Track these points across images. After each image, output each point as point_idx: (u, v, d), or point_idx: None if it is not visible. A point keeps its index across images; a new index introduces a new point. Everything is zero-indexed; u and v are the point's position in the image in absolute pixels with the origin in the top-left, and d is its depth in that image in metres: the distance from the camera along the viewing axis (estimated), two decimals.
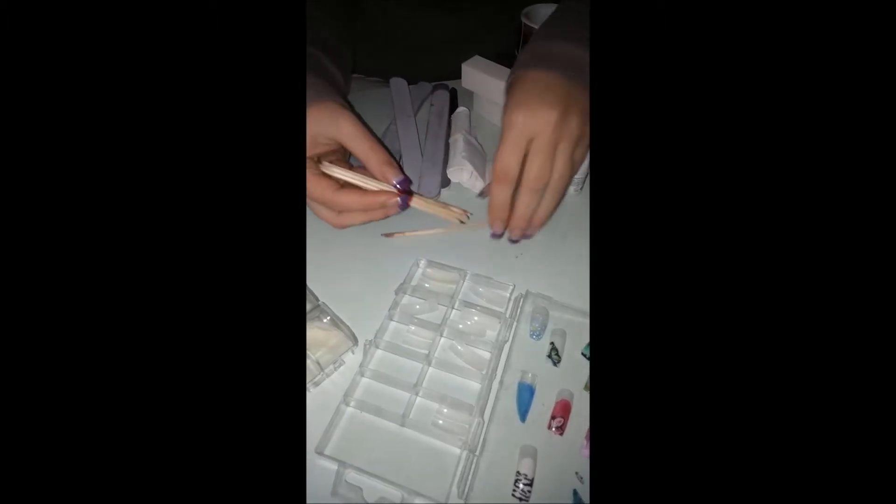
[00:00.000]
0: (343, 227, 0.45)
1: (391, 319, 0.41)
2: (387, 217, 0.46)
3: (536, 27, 0.58)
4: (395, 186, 0.43)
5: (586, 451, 0.34)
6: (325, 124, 0.43)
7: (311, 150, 0.44)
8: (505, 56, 0.64)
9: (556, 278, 0.44)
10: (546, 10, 0.61)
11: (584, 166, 0.49)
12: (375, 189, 0.44)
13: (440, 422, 0.35)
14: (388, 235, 0.48)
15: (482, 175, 0.53)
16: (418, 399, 0.37)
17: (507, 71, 0.58)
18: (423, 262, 0.45)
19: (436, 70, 0.66)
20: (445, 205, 0.48)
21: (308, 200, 0.44)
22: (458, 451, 0.34)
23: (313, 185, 0.41)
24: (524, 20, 0.59)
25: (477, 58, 0.60)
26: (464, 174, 0.53)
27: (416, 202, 0.45)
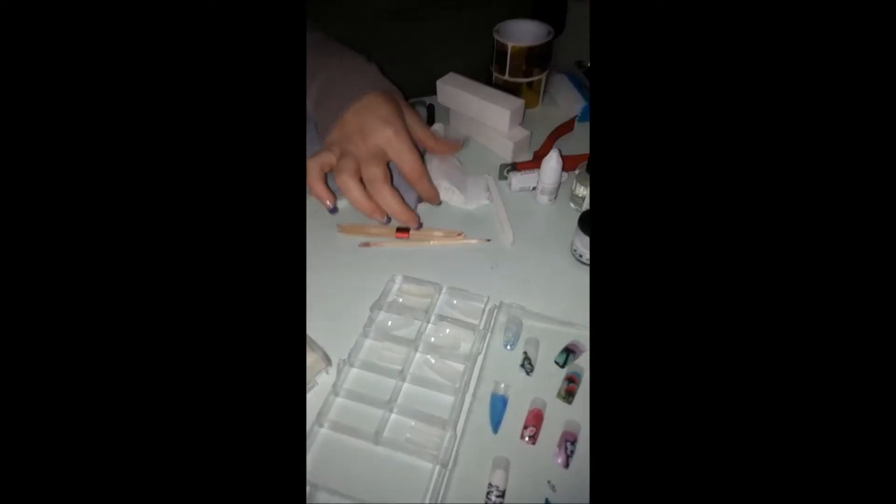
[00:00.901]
0: (359, 199, 0.45)
1: (366, 337, 0.42)
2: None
3: (508, 43, 0.59)
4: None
5: (559, 459, 0.34)
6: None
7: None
8: (481, 71, 0.65)
9: (530, 288, 0.45)
10: (516, 26, 0.62)
11: (556, 177, 0.50)
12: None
13: (413, 437, 0.35)
14: (364, 245, 0.49)
15: (460, 188, 0.53)
16: (392, 416, 0.37)
17: (481, 87, 0.59)
18: (399, 278, 0.46)
19: (417, 84, 0.66)
20: (442, 232, 0.50)
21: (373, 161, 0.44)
22: (430, 465, 0.34)
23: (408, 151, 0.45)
24: (496, 36, 0.60)
25: (451, 74, 0.61)
26: (441, 190, 0.53)
27: (414, 235, 0.49)
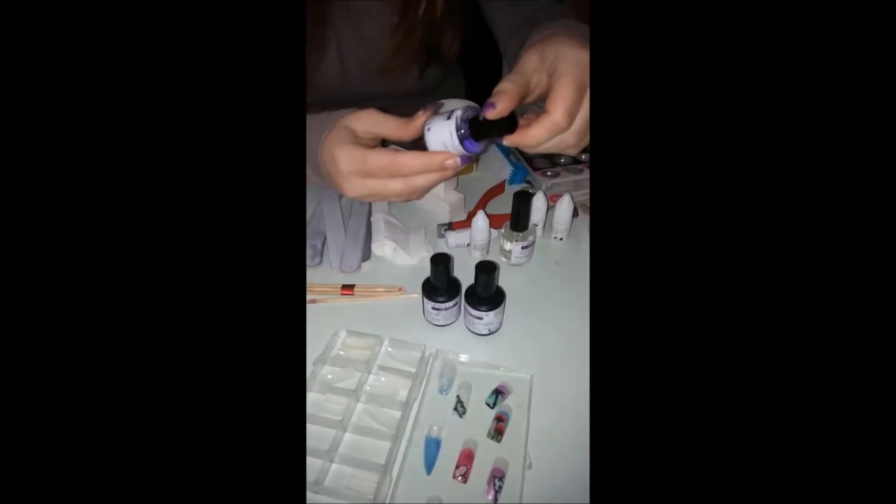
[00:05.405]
0: (416, 192, 0.43)
1: (310, 391, 0.44)
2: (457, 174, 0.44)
3: None
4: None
5: (489, 496, 0.37)
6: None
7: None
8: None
9: (464, 335, 0.49)
10: (449, 105, 0.70)
11: (485, 235, 0.56)
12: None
13: (352, 484, 0.37)
14: (311, 302, 0.52)
15: (405, 248, 0.58)
16: (333, 465, 0.39)
17: None
18: (343, 333, 0.49)
19: None
20: (384, 288, 0.54)
21: (369, 182, 0.42)
22: None
23: (374, 157, 0.41)
24: None
25: (393, 147, 0.68)
26: (386, 249, 0.58)
27: (358, 292, 0.53)
